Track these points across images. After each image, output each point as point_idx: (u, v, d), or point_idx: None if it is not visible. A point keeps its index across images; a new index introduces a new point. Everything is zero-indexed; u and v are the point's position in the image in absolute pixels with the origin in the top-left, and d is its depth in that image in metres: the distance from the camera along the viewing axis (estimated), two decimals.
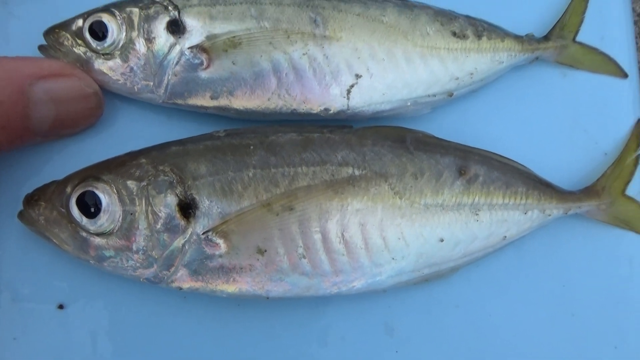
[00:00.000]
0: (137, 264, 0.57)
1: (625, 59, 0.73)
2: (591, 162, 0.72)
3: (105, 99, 0.65)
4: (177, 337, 0.64)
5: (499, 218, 0.63)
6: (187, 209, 0.57)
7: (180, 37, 0.61)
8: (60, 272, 0.63)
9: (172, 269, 0.57)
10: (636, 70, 0.74)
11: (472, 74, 0.67)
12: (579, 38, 0.72)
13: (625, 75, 0.73)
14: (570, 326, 0.68)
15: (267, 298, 0.60)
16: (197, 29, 0.61)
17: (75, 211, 0.57)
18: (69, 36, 0.62)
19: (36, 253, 0.63)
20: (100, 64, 0.62)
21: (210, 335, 0.64)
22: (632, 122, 0.72)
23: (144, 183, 0.57)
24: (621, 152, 0.70)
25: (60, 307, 0.63)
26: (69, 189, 0.58)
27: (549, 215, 0.65)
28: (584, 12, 0.72)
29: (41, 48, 0.63)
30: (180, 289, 0.59)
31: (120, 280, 0.62)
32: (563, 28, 0.71)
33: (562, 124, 0.72)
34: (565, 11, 0.72)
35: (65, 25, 0.62)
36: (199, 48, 0.61)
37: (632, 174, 0.69)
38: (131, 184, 0.57)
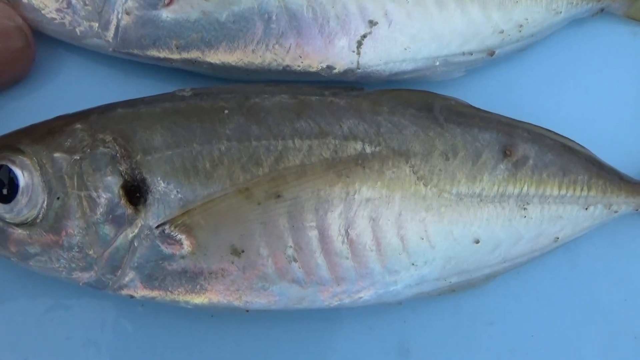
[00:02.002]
0: (72, 265, 0.49)
1: None
2: None
3: (41, 45, 0.56)
4: (133, 355, 0.57)
5: (552, 214, 0.55)
6: (136, 192, 0.49)
7: None
8: None
9: (119, 273, 0.50)
10: None
11: (521, 26, 0.58)
12: None
13: None
14: (633, 352, 0.61)
15: (247, 311, 0.53)
16: None
17: None
18: None
19: None
20: None
21: (174, 353, 0.57)
22: None
23: (77, 156, 0.49)
24: None
25: None
26: None
27: (616, 211, 0.57)
28: None
29: None
30: (132, 297, 0.51)
31: (59, 281, 0.53)
32: None
33: (630, 96, 0.64)
34: None
35: None
36: None
37: None
38: (60, 157, 0.49)
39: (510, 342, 0.59)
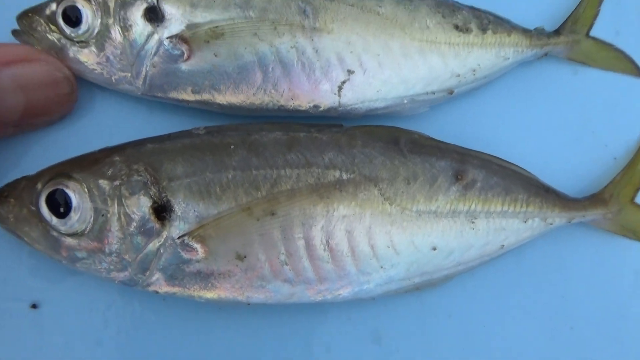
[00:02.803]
0: (111, 267, 0.55)
1: None
2: (599, 167, 0.68)
3: (83, 88, 0.62)
4: (156, 340, 0.62)
5: (496, 226, 0.60)
6: (162, 211, 0.54)
7: (158, 26, 0.57)
8: (34, 270, 0.61)
9: (147, 273, 0.55)
10: None
11: (474, 70, 0.63)
12: (592, 32, 0.68)
13: None
14: (569, 340, 0.65)
15: (248, 304, 0.57)
16: (176, 18, 0.57)
17: (44, 210, 0.54)
18: (42, 21, 0.58)
19: (8, 250, 0.60)
20: (75, 52, 0.58)
21: (190, 338, 0.62)
22: None
23: (117, 183, 0.54)
24: (633, 156, 0.66)
25: (34, 306, 0.61)
26: (39, 186, 0.55)
27: (551, 224, 0.62)
28: (599, 5, 0.67)
29: (14, 33, 0.59)
30: (157, 292, 0.57)
31: (98, 279, 0.59)
32: (576, 22, 0.67)
33: (570, 126, 0.68)
34: (579, 3, 0.67)
35: (38, 10, 0.59)
36: (179, 38, 0.57)
37: None
38: (103, 183, 0.55)
39: (466, 331, 0.64)
